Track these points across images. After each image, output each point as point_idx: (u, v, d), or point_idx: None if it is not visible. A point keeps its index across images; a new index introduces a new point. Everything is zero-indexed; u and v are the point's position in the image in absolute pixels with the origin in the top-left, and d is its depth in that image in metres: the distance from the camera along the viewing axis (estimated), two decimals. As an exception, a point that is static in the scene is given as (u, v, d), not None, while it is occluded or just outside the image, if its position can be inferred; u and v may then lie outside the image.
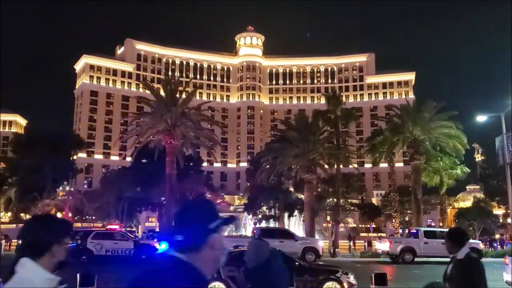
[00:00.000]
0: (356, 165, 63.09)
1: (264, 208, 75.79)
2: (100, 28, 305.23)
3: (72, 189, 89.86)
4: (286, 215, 72.51)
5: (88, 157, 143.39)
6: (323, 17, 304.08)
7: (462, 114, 48.67)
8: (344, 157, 53.27)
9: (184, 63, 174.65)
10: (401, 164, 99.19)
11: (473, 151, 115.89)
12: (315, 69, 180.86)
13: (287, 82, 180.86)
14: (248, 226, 76.59)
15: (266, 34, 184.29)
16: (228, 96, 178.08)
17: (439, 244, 30.58)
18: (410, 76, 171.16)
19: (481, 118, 36.42)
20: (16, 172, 61.95)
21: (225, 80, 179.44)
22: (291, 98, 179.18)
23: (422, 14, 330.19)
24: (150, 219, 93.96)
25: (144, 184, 66.98)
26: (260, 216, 75.50)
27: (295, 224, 73.20)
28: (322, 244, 38.99)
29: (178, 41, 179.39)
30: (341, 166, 54.49)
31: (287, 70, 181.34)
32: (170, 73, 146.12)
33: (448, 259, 5.72)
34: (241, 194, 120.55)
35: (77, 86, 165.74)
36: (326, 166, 51.70)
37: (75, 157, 73.70)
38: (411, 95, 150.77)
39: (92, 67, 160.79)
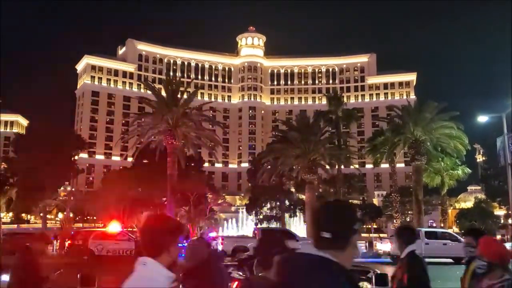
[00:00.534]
0: (357, 166, 63.11)
1: (265, 208, 75.83)
2: (102, 28, 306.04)
3: (73, 189, 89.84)
4: (287, 215, 72.57)
5: (89, 158, 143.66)
6: (323, 18, 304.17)
7: (463, 114, 48.49)
8: (345, 158, 53.26)
9: (186, 63, 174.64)
10: (402, 165, 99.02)
11: (474, 151, 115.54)
12: (317, 70, 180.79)
13: (289, 82, 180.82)
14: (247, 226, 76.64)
15: (268, 35, 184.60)
16: (229, 97, 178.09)
17: (440, 245, 30.41)
18: (411, 77, 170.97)
19: (482, 119, 36.35)
20: (17, 173, 61.96)
21: (226, 80, 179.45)
22: (292, 98, 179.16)
23: (422, 14, 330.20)
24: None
25: (145, 185, 66.92)
26: (261, 217, 75.52)
27: (296, 225, 73.22)
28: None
29: (180, 41, 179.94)
30: (342, 166, 54.52)
31: (289, 71, 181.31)
32: (171, 73, 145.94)
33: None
34: (242, 194, 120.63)
35: (78, 87, 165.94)
36: (327, 167, 51.60)
37: (76, 157, 73.65)
38: (412, 96, 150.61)
39: (93, 67, 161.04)
